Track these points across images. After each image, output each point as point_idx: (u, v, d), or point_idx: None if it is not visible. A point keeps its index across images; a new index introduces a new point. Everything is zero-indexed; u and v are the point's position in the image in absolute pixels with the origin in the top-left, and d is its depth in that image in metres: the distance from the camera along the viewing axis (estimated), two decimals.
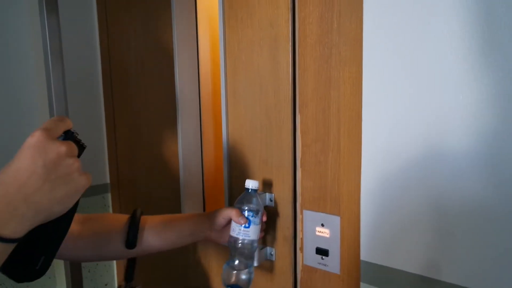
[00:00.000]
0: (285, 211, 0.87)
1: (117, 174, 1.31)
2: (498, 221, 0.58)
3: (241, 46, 0.90)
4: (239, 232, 0.78)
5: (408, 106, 0.65)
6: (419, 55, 0.63)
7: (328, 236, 0.80)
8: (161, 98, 1.13)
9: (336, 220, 0.78)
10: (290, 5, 0.81)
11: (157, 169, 1.18)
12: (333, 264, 0.80)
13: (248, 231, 0.78)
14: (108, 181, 1.33)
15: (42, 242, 0.50)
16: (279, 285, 0.91)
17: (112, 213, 1.05)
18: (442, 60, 0.61)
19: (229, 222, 0.81)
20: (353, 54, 0.72)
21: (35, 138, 0.44)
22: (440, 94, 0.62)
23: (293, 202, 0.86)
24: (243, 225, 0.78)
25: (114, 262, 1.39)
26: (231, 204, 0.97)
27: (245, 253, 0.79)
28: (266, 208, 0.89)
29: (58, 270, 1.27)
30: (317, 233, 0.81)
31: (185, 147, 1.12)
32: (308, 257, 0.84)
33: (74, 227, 0.74)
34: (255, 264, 0.87)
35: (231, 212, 0.79)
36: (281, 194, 0.88)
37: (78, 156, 0.49)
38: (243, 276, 0.77)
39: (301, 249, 0.85)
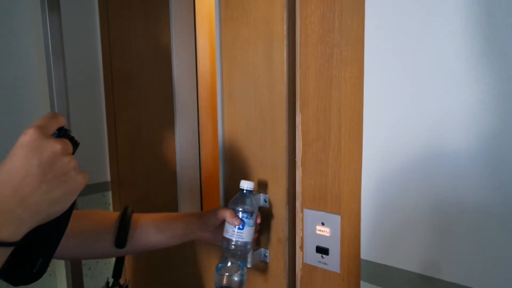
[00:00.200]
0: (279, 212, 0.87)
1: (117, 172, 1.31)
2: (498, 220, 0.59)
3: (237, 45, 0.90)
4: (232, 234, 0.76)
5: (408, 106, 0.66)
6: (420, 55, 0.64)
7: (328, 234, 0.80)
8: (160, 97, 1.13)
9: (336, 219, 0.78)
10: (285, 3, 0.80)
11: (156, 167, 1.18)
12: (333, 262, 0.80)
13: (242, 233, 0.76)
14: (108, 179, 1.34)
15: (39, 244, 0.48)
16: (273, 287, 0.91)
17: (102, 210, 1.03)
18: (443, 60, 0.61)
19: (223, 222, 0.79)
20: (354, 53, 0.72)
21: (28, 137, 0.42)
22: (441, 94, 0.62)
23: (288, 203, 0.86)
24: (237, 227, 0.76)
25: (114, 259, 1.39)
26: (226, 204, 0.97)
27: (237, 254, 0.77)
28: (261, 209, 0.88)
29: (59, 268, 1.28)
30: (318, 232, 0.81)
31: (182, 146, 1.12)
32: (308, 256, 0.84)
33: None
34: (249, 265, 0.86)
35: (225, 213, 0.77)
36: (276, 195, 0.87)
37: (72, 153, 0.47)
38: (235, 278, 0.76)
39: (301, 247, 0.86)
